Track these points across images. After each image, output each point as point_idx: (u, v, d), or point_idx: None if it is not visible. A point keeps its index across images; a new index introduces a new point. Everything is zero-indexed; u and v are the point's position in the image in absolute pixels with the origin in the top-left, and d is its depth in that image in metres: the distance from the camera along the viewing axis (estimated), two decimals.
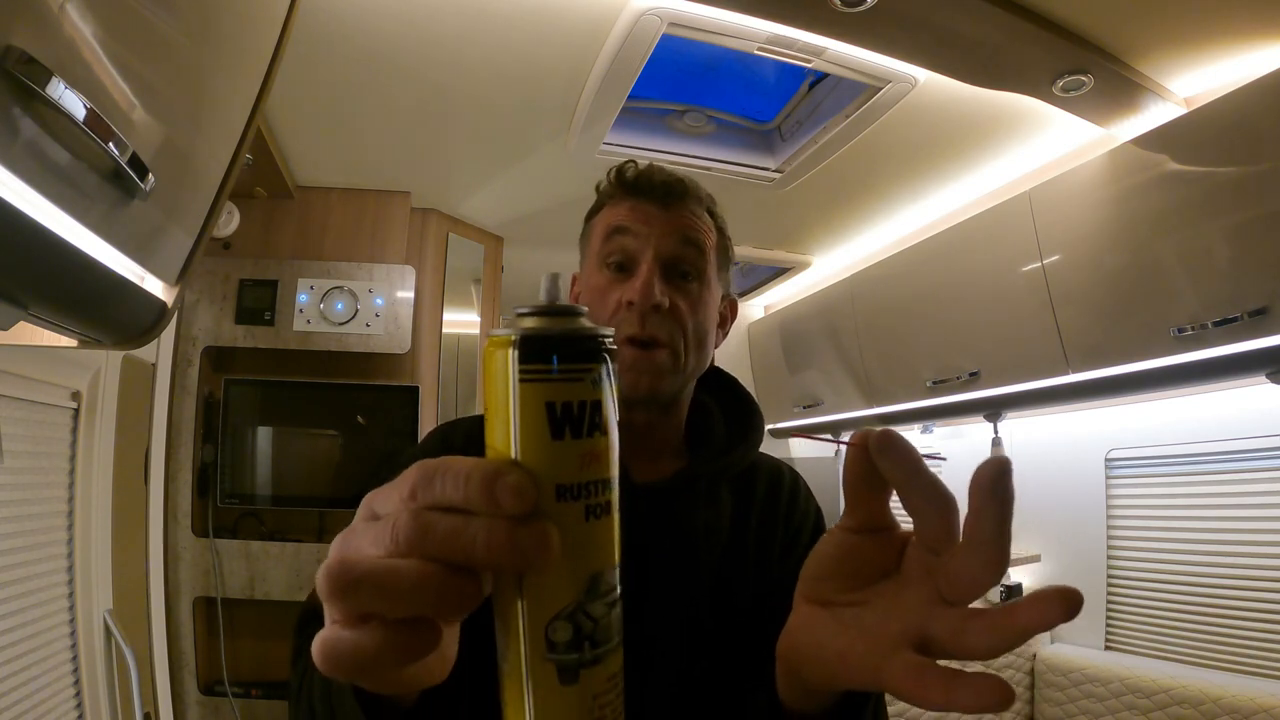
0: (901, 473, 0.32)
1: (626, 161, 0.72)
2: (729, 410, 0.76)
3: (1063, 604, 0.27)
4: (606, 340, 0.30)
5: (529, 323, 0.29)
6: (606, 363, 0.29)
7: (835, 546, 0.37)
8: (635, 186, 0.69)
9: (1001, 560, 0.29)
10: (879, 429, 0.33)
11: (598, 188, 0.74)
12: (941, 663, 0.30)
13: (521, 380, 0.28)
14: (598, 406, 0.28)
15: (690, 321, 0.67)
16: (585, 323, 0.30)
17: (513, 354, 0.28)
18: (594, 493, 0.28)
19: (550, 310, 0.29)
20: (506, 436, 0.28)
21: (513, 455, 0.28)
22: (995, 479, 0.29)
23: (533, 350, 0.28)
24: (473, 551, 0.26)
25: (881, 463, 0.32)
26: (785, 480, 0.76)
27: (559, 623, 0.27)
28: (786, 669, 0.41)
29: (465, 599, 0.26)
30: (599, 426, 0.28)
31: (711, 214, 0.72)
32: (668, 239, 0.67)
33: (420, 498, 0.27)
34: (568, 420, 0.27)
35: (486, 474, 0.26)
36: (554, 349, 0.28)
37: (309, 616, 0.62)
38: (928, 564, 0.33)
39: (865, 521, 0.36)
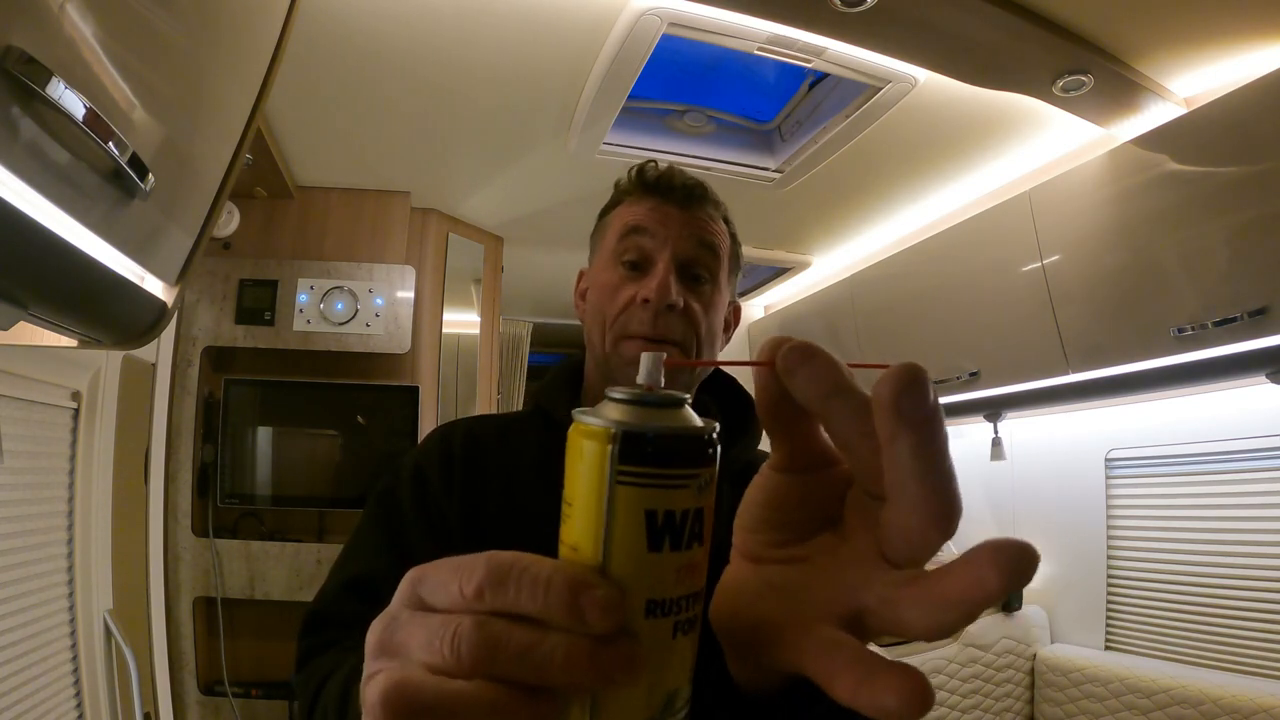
0: (819, 396, 0.24)
1: (648, 161, 0.72)
2: (728, 409, 0.77)
3: (1000, 563, 0.20)
4: (716, 439, 0.26)
5: (630, 414, 0.25)
6: (716, 464, 0.26)
7: (763, 490, 0.29)
8: (656, 187, 0.69)
9: (942, 506, 0.22)
10: (790, 340, 0.25)
11: (617, 184, 0.74)
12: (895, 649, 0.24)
13: (619, 483, 0.24)
14: (700, 515, 0.25)
15: (703, 323, 0.68)
16: (692, 416, 0.26)
17: (611, 450, 0.24)
18: (685, 608, 0.25)
19: (655, 400, 0.25)
20: (595, 541, 0.24)
21: (599, 562, 0.24)
22: (897, 395, 0.22)
23: (636, 450, 0.24)
24: (548, 672, 0.22)
25: (792, 385, 0.25)
26: None
27: None
28: (720, 637, 0.32)
29: (611, 670, 0.23)
30: (699, 536, 0.25)
31: (726, 220, 0.73)
32: (685, 241, 0.67)
33: (489, 600, 0.23)
34: (669, 530, 0.24)
35: (572, 583, 0.23)
36: (661, 449, 0.24)
37: (317, 622, 0.62)
38: (870, 512, 0.25)
39: (792, 457, 0.28)
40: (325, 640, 0.59)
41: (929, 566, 0.24)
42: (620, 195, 0.73)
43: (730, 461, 0.70)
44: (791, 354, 0.25)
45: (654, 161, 0.72)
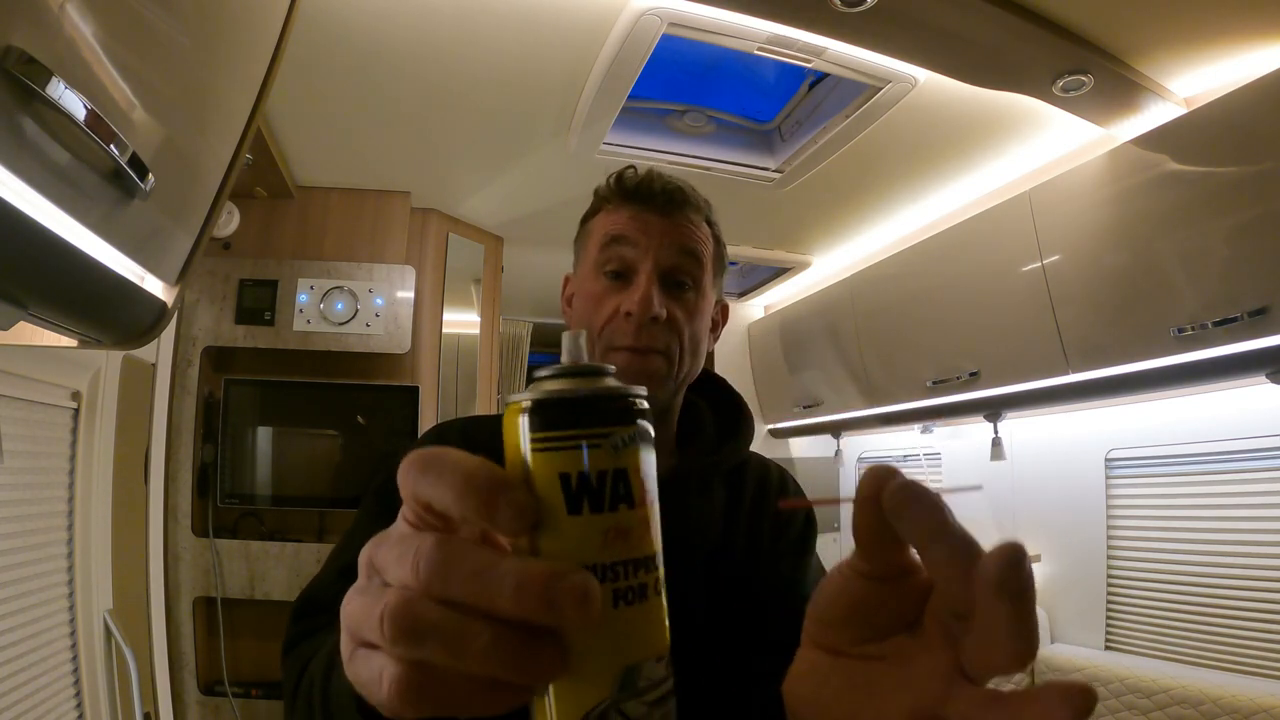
0: (923, 537, 0.27)
1: (626, 167, 0.71)
2: (718, 410, 0.78)
3: (1071, 704, 0.23)
4: (635, 401, 0.26)
5: (544, 387, 0.26)
6: (635, 425, 0.26)
7: (844, 592, 0.31)
8: (635, 194, 0.69)
9: (1025, 652, 0.25)
10: (894, 477, 0.27)
11: (596, 191, 0.73)
12: None
13: (534, 450, 0.25)
14: (623, 475, 0.25)
15: (686, 331, 0.68)
16: (609, 382, 0.27)
17: (524, 421, 0.25)
18: (624, 574, 0.25)
19: (567, 371, 0.26)
20: None
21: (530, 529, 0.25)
22: (1003, 574, 0.24)
23: (544, 416, 0.25)
24: (501, 596, 0.23)
25: (898, 523, 0.27)
26: (773, 477, 0.78)
27: None
28: (794, 715, 0.36)
29: (543, 666, 0.24)
30: (625, 498, 0.25)
31: (709, 222, 0.72)
32: (666, 249, 0.67)
33: (413, 489, 0.25)
34: (586, 492, 0.25)
35: (492, 481, 0.24)
36: (566, 413, 0.25)
37: (308, 607, 0.61)
38: (950, 628, 0.28)
39: (880, 570, 0.30)
40: (314, 625, 0.59)
41: None
42: (600, 203, 0.72)
43: (721, 462, 0.72)
44: (899, 495, 0.27)
45: (633, 167, 0.71)
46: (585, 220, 0.74)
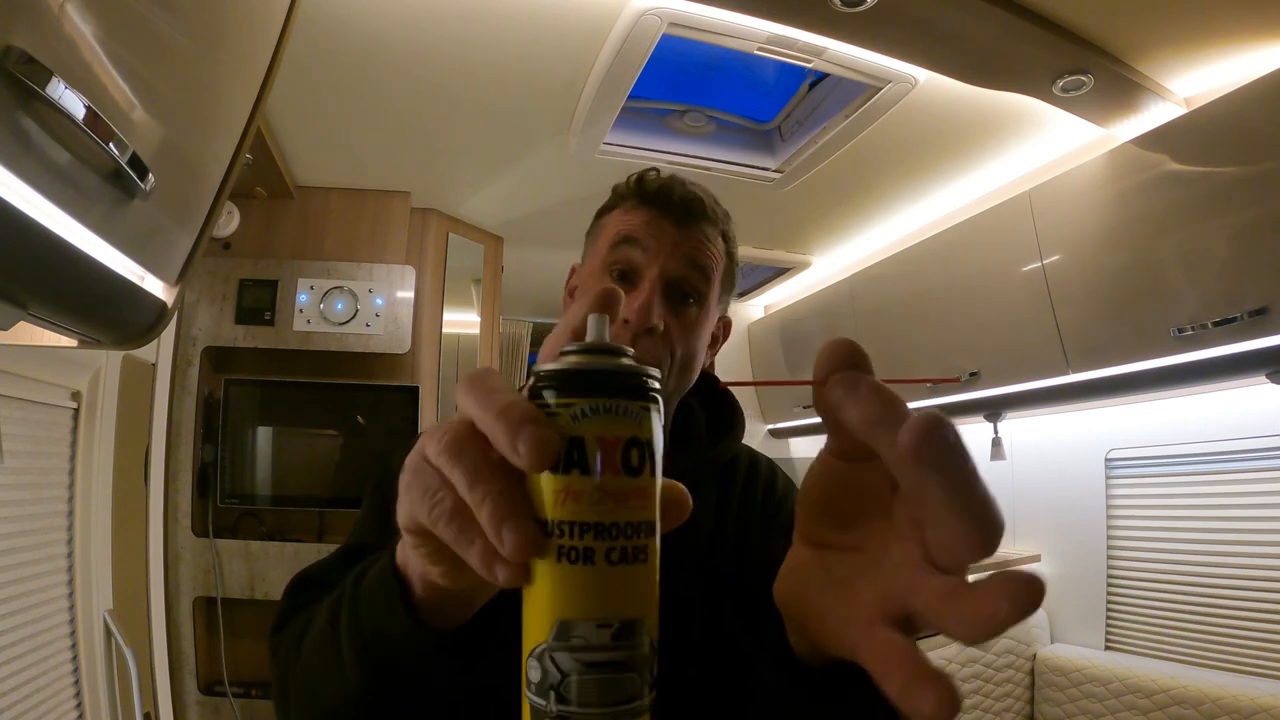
0: (861, 424, 0.27)
1: (650, 169, 0.70)
2: (710, 409, 0.78)
3: (1010, 595, 0.23)
4: (647, 379, 0.29)
5: (564, 361, 0.29)
6: (643, 398, 0.28)
7: (820, 476, 0.32)
8: (653, 197, 0.68)
9: (981, 533, 0.24)
10: (842, 370, 0.28)
11: (615, 188, 0.72)
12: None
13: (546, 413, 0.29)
14: (579, 445, 0.27)
15: (680, 347, 0.67)
16: (625, 361, 0.29)
17: (546, 390, 0.29)
18: (568, 534, 0.26)
19: (590, 348, 0.29)
20: None
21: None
22: (918, 446, 0.24)
23: (559, 384, 0.28)
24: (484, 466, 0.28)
25: (839, 417, 0.28)
26: (762, 468, 0.78)
27: (530, 660, 0.27)
28: (785, 614, 0.36)
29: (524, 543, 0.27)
30: (579, 464, 0.27)
31: (725, 237, 0.71)
32: (675, 259, 0.66)
33: (460, 402, 0.29)
34: (576, 455, 0.27)
35: (525, 414, 0.27)
36: (546, 385, 0.28)
37: (305, 584, 0.60)
38: (916, 517, 0.27)
39: (848, 450, 0.30)
40: (310, 598, 0.57)
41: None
42: (617, 199, 0.71)
43: (714, 459, 0.73)
44: (836, 387, 0.27)
45: (656, 169, 0.70)
46: (600, 215, 0.73)
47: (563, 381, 0.28)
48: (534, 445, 0.26)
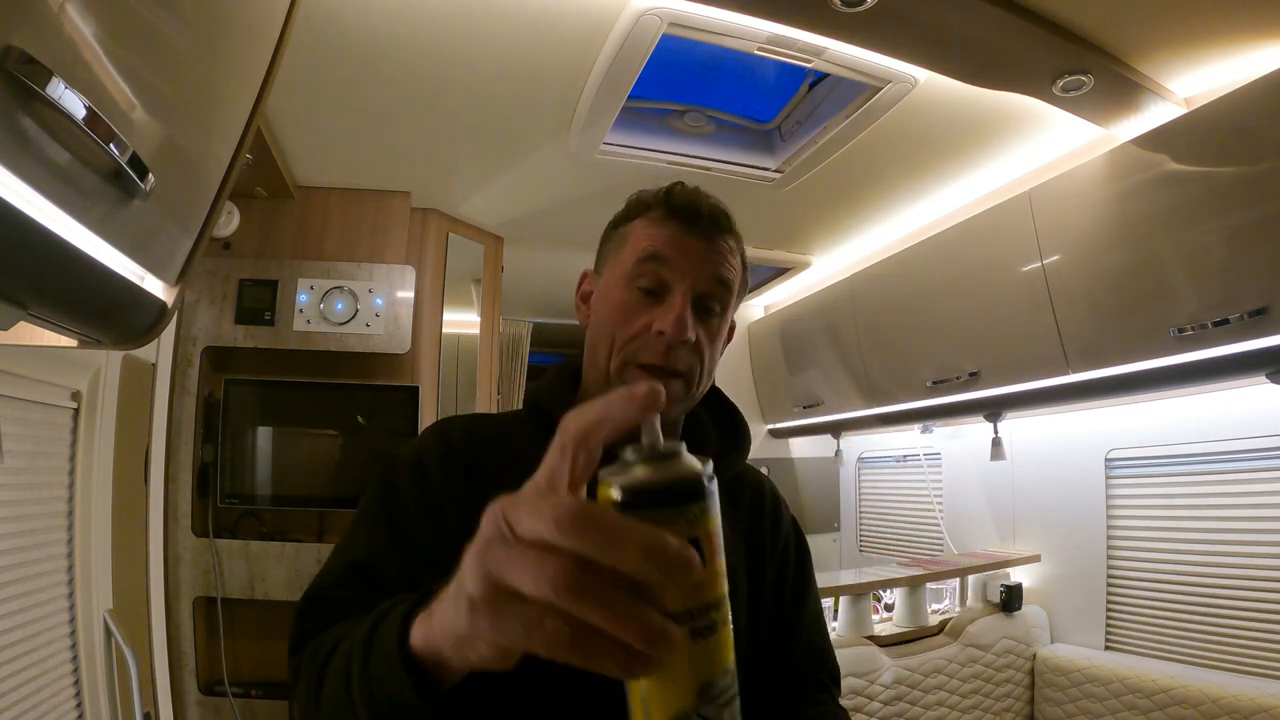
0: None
1: (676, 183, 0.71)
2: (718, 420, 0.80)
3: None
4: (705, 480, 0.32)
5: (630, 474, 0.31)
6: (703, 498, 0.31)
7: None
8: (682, 213, 0.68)
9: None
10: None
11: (640, 196, 0.72)
12: None
13: None
14: (695, 543, 0.30)
15: (708, 355, 0.69)
16: (679, 466, 0.31)
17: (614, 500, 0.31)
18: (697, 616, 0.30)
19: (648, 455, 0.31)
20: None
21: None
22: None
23: (629, 499, 0.30)
24: (622, 629, 0.27)
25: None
26: (766, 492, 0.82)
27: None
28: None
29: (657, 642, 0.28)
30: (701, 558, 0.30)
31: (741, 248, 0.73)
32: (703, 275, 0.67)
33: (588, 548, 0.28)
34: None
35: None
36: (646, 496, 0.30)
37: (317, 606, 0.62)
38: None
39: None
40: (325, 623, 0.59)
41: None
42: (640, 209, 0.71)
43: (722, 473, 0.75)
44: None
45: (681, 183, 0.71)
46: (620, 223, 0.73)
47: (658, 494, 0.31)
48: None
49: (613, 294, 0.69)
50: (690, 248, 0.67)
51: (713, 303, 0.69)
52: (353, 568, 0.62)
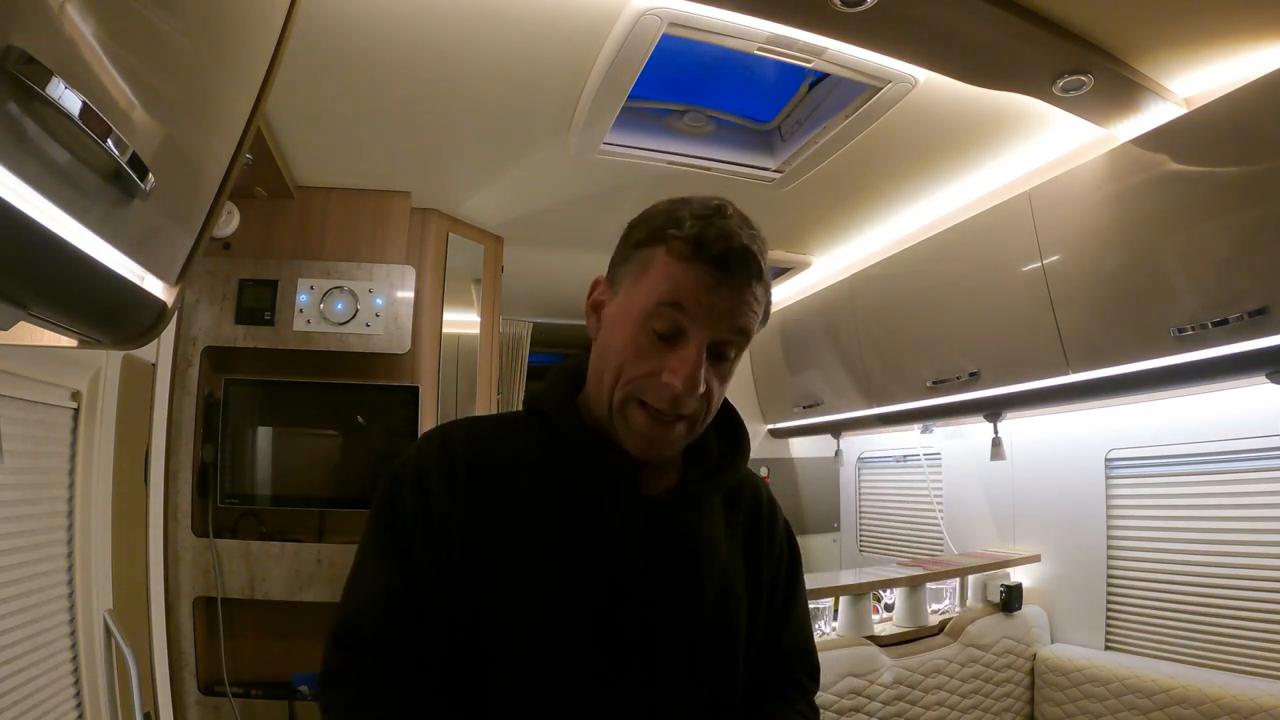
0: None
1: (709, 210, 0.65)
2: (720, 428, 0.80)
3: None
4: None
5: None
6: None
7: None
8: (713, 261, 0.63)
9: None
10: None
11: (670, 217, 0.66)
12: None
13: None
14: None
15: (716, 396, 0.69)
16: None
17: None
18: None
19: None
20: None
21: None
22: None
23: None
24: None
25: None
26: (764, 500, 0.83)
27: None
28: None
29: None
30: None
31: (766, 285, 0.69)
32: (721, 326, 0.65)
33: None
34: None
35: None
36: None
37: (352, 637, 0.64)
38: None
39: None
40: (366, 665, 0.62)
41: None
42: (666, 238, 0.65)
43: (724, 482, 0.76)
44: None
45: (715, 210, 0.65)
46: (642, 243, 0.67)
47: None
48: None
49: (626, 329, 0.66)
50: (714, 300, 0.64)
51: (729, 349, 0.67)
52: (391, 596, 0.63)
